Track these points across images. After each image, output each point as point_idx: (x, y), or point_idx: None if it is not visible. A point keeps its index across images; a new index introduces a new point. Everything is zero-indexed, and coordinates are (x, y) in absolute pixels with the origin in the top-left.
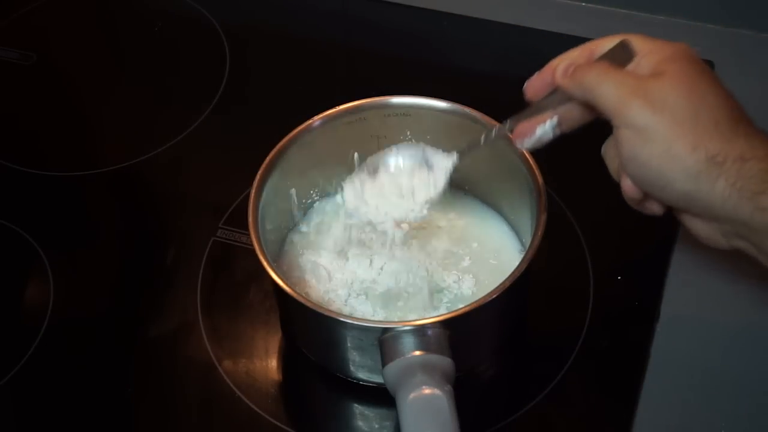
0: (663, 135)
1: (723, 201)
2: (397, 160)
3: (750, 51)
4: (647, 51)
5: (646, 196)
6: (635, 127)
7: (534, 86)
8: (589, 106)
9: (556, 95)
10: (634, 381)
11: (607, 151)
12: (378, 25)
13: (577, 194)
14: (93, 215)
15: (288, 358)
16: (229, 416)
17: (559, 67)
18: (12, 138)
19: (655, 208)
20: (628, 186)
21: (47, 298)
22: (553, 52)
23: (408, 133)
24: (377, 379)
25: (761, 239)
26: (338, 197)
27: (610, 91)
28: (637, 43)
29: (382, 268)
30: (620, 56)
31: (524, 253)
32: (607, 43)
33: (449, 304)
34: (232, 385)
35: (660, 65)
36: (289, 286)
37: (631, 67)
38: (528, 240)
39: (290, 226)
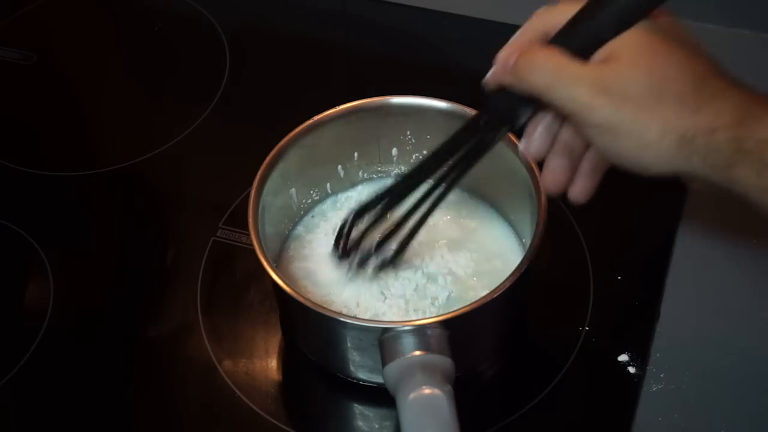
0: (631, 127)
1: (699, 173)
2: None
3: (750, 51)
4: None
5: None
6: (601, 125)
7: (489, 85)
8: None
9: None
10: (634, 381)
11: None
12: (378, 25)
13: None
14: (93, 215)
15: (288, 358)
16: (229, 416)
17: (499, 57)
18: (12, 138)
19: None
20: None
21: (47, 298)
22: None
23: (408, 133)
24: (377, 379)
25: (742, 198)
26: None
27: (564, 93)
28: None
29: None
30: None
31: (524, 253)
32: (558, 16)
33: (449, 304)
34: (232, 385)
35: (615, 47)
36: (289, 286)
37: None
38: (528, 240)
39: (290, 226)
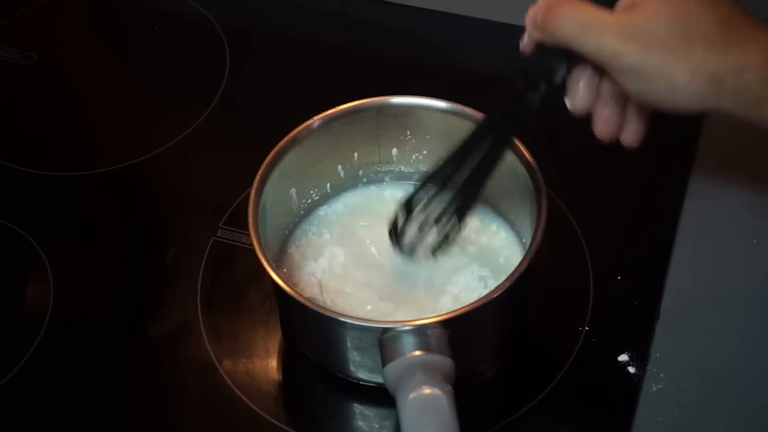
0: (660, 70)
1: (729, 111)
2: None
3: None
4: None
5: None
6: (631, 71)
7: (525, 47)
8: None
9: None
10: (634, 381)
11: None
12: (378, 25)
13: (577, 194)
14: (93, 215)
15: (288, 358)
16: (229, 416)
17: (528, 15)
18: (12, 138)
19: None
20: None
21: (47, 298)
22: None
23: (408, 133)
24: (377, 379)
25: None
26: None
27: (593, 42)
28: None
29: (382, 269)
30: None
31: (524, 253)
32: None
33: (449, 304)
34: (232, 385)
35: None
36: (289, 286)
37: None
38: (528, 240)
39: (290, 226)
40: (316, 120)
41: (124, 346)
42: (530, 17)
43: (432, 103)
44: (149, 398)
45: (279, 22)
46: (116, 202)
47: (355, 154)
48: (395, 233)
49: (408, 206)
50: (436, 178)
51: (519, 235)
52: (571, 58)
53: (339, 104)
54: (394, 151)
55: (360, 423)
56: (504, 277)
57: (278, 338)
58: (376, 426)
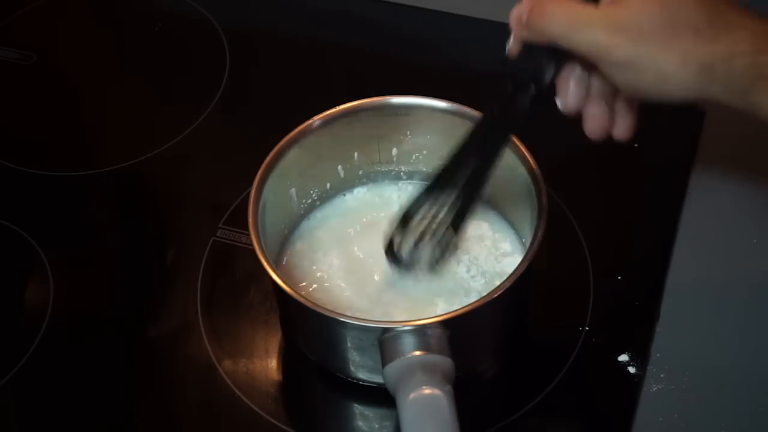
0: (650, 61)
1: (720, 99)
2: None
3: None
4: None
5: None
6: (621, 63)
7: (512, 49)
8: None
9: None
10: (634, 381)
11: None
12: (378, 25)
13: (577, 194)
14: (93, 215)
15: (288, 358)
16: (229, 416)
17: (513, 16)
18: (12, 138)
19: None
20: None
21: (47, 298)
22: None
23: (408, 133)
24: (377, 379)
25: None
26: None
27: (581, 37)
28: None
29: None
30: None
31: (524, 253)
32: None
33: (449, 304)
34: (232, 385)
35: None
36: (289, 286)
37: None
38: (528, 240)
39: (290, 226)
40: (316, 120)
41: (124, 346)
42: (515, 17)
43: (432, 103)
44: (149, 398)
45: (279, 22)
46: (116, 202)
47: (355, 154)
48: (392, 250)
49: (404, 222)
50: (433, 188)
51: (519, 235)
52: (560, 56)
53: (339, 104)
54: (394, 151)
55: (360, 423)
56: (503, 278)
57: (278, 338)
58: (376, 426)
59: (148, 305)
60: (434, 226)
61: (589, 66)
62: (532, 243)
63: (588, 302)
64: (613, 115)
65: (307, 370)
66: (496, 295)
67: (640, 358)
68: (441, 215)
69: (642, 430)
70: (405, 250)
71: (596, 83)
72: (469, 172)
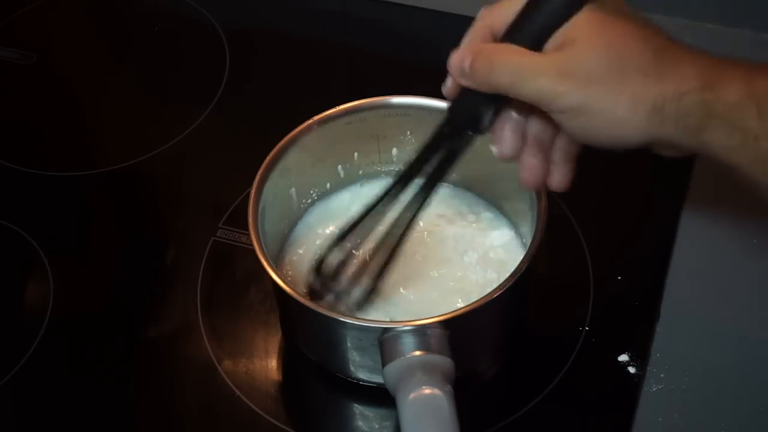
0: (601, 106)
1: (672, 139)
2: None
3: (750, 51)
4: None
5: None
6: (571, 109)
7: (448, 93)
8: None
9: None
10: (634, 381)
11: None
12: (378, 25)
13: (577, 194)
14: (93, 215)
15: (288, 358)
16: (229, 416)
17: (453, 62)
18: (12, 138)
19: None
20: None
21: (47, 298)
22: None
23: (408, 133)
24: (377, 379)
25: (714, 160)
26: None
27: (529, 87)
28: None
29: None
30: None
31: (524, 253)
32: (504, 13)
33: (449, 304)
34: (232, 385)
35: (568, 32)
36: (289, 286)
37: None
38: (528, 240)
39: (290, 226)
40: (316, 120)
41: (124, 346)
42: (455, 64)
43: (432, 103)
44: (149, 398)
45: (279, 22)
46: (116, 202)
47: (355, 154)
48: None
49: (318, 270)
50: (366, 215)
51: (519, 235)
52: (498, 102)
53: (339, 104)
54: (394, 151)
55: (360, 423)
56: (504, 277)
57: (278, 338)
58: (376, 426)
59: (148, 305)
60: (356, 269)
61: (526, 112)
62: (532, 243)
63: (588, 302)
64: (548, 165)
65: (307, 370)
66: (496, 295)
67: (640, 358)
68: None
69: (642, 430)
70: (329, 291)
71: (533, 130)
72: (414, 190)
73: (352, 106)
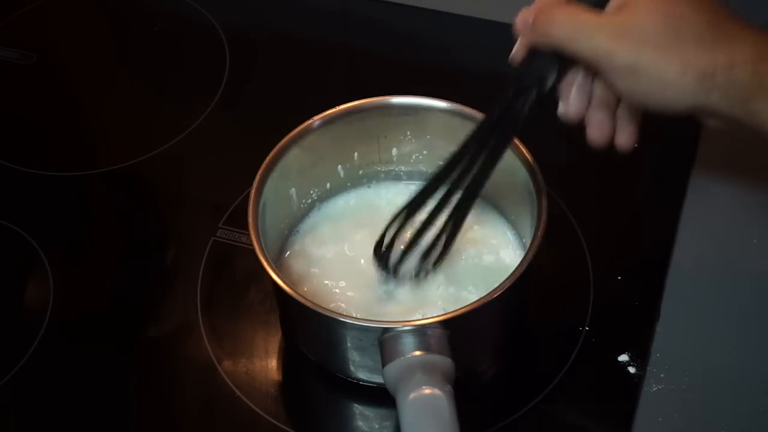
0: (652, 67)
1: (719, 108)
2: None
3: None
4: None
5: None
6: (623, 68)
7: (516, 53)
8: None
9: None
10: (634, 381)
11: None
12: (378, 25)
13: (577, 194)
14: (93, 215)
15: (288, 358)
16: (229, 416)
17: (519, 20)
18: (12, 138)
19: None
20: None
21: (47, 298)
22: None
23: (408, 133)
24: (377, 379)
25: (756, 129)
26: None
27: (586, 43)
28: None
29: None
30: None
31: (524, 253)
32: None
33: (449, 304)
34: (232, 385)
35: None
36: (289, 286)
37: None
38: (528, 240)
39: (290, 226)
40: (316, 120)
41: (124, 346)
42: (521, 20)
43: (432, 103)
44: (149, 398)
45: (279, 22)
46: (116, 202)
47: (355, 154)
48: (379, 254)
49: (398, 223)
50: (431, 190)
51: (519, 235)
52: (563, 63)
53: (339, 104)
54: (394, 151)
55: (360, 423)
56: (503, 278)
57: (278, 338)
58: (376, 426)
59: (148, 305)
60: (426, 234)
61: (592, 74)
62: (532, 243)
63: (588, 302)
64: (615, 123)
65: (307, 370)
66: (496, 295)
67: (640, 358)
68: (436, 221)
69: (642, 430)
70: (393, 256)
71: (598, 91)
72: (469, 174)
73: (352, 106)
